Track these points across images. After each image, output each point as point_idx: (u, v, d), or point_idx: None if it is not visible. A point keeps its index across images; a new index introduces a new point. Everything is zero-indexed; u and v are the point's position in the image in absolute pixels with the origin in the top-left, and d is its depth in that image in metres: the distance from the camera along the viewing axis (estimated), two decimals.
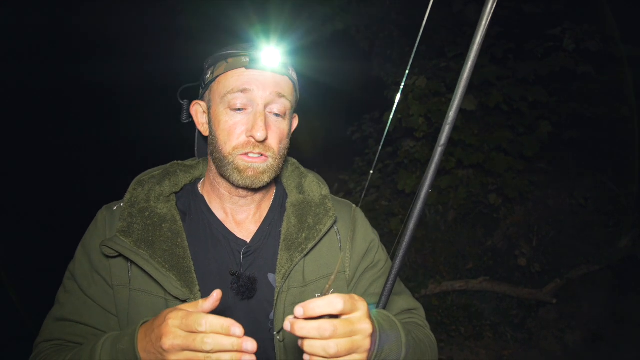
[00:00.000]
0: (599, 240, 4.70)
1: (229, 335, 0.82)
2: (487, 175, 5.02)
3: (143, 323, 0.96)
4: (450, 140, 4.91)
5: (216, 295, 0.86)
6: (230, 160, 1.16)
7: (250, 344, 0.83)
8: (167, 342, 0.84)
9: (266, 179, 1.18)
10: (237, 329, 0.83)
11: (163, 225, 1.18)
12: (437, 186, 5.03)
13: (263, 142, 1.15)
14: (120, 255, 1.14)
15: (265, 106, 1.16)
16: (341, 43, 5.87)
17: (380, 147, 1.08)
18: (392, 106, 5.09)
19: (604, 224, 4.76)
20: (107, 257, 1.15)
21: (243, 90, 1.14)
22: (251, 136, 1.14)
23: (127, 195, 1.23)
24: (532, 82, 4.79)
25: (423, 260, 5.02)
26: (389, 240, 4.62)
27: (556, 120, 4.88)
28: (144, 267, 1.11)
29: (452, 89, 4.92)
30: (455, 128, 4.82)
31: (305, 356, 0.86)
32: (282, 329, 1.16)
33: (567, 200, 5.01)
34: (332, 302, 0.82)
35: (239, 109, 1.15)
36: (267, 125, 1.15)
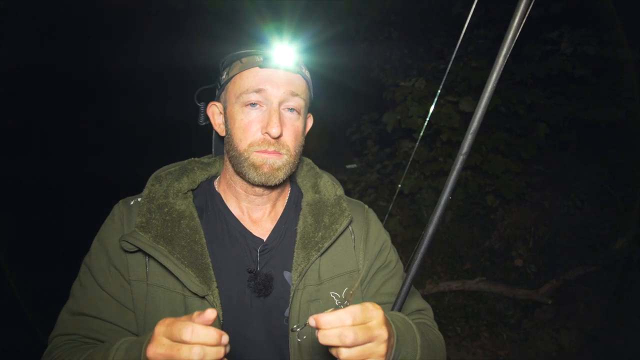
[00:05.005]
0: (594, 242, 4.75)
1: (218, 345, 0.82)
2: (485, 177, 5.06)
3: None
4: (449, 142, 4.96)
5: (208, 315, 0.82)
6: (246, 157, 1.17)
7: (225, 339, 0.83)
8: (151, 349, 0.84)
9: (282, 175, 1.20)
10: (226, 337, 0.83)
11: (181, 221, 1.19)
12: (436, 187, 5.06)
13: (278, 138, 1.16)
14: (139, 250, 1.15)
15: (280, 104, 1.17)
16: (341, 44, 5.88)
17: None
18: (391, 107, 5.12)
19: (600, 226, 4.81)
20: (126, 252, 1.15)
21: (258, 90, 1.15)
22: (267, 133, 1.15)
23: (146, 191, 1.24)
24: (529, 84, 4.83)
25: (421, 261, 5.04)
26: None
27: (553, 122, 4.92)
28: (164, 262, 1.12)
29: (450, 90, 4.98)
30: (453, 130, 4.87)
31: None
32: (298, 326, 1.18)
33: (563, 202, 5.05)
34: (342, 318, 0.85)
35: (253, 106, 1.17)
36: (282, 123, 1.16)
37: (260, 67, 1.16)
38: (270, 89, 1.15)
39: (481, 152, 4.90)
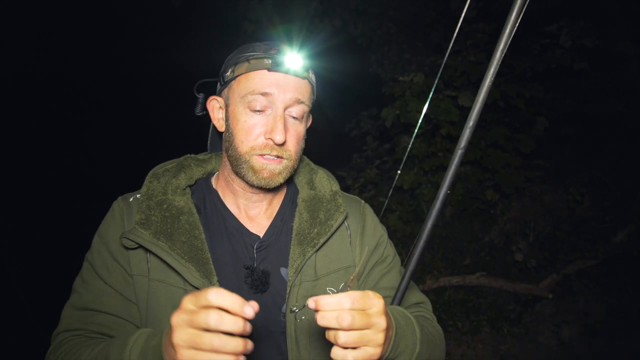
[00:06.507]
0: (594, 236, 4.75)
1: (239, 315, 0.78)
2: (484, 172, 5.05)
3: None
4: (448, 136, 4.95)
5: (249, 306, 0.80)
6: (246, 159, 1.17)
7: (249, 310, 0.79)
8: (174, 319, 0.80)
9: (281, 179, 1.20)
10: (250, 309, 0.79)
11: (181, 217, 1.20)
12: (436, 182, 5.05)
13: (282, 144, 1.16)
14: (139, 246, 1.15)
15: (285, 109, 1.17)
16: (339, 40, 5.87)
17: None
18: (390, 102, 5.10)
19: (599, 220, 4.81)
20: (127, 248, 1.16)
21: (264, 94, 1.14)
22: (270, 138, 1.15)
23: (144, 188, 1.23)
24: (528, 78, 4.81)
25: (420, 255, 5.04)
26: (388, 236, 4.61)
27: (552, 116, 4.91)
28: (165, 258, 1.12)
29: (449, 85, 4.96)
30: (452, 124, 4.85)
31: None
32: (296, 307, 1.19)
33: (563, 196, 5.05)
34: (341, 301, 0.85)
35: (258, 110, 1.16)
36: (285, 128, 1.16)
37: (269, 70, 1.15)
38: (277, 93, 1.15)
39: (480, 147, 4.88)
